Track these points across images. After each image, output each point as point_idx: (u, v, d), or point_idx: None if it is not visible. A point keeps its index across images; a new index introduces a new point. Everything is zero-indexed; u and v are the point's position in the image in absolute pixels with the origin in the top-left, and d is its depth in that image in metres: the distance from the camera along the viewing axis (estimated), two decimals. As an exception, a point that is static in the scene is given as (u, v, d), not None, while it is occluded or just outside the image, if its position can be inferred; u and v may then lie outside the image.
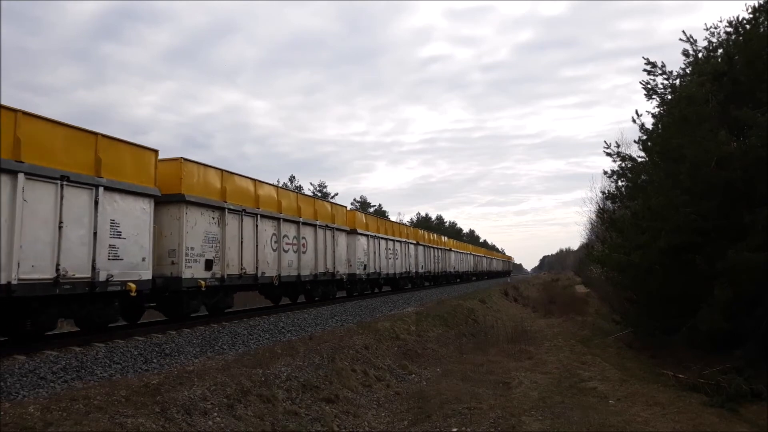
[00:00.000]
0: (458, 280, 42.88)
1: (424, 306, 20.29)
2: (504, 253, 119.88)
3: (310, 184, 66.25)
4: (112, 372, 7.45)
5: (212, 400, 6.87)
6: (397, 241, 26.22)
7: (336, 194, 60.01)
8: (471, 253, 51.03)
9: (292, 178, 57.14)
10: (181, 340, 9.72)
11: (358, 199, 68.93)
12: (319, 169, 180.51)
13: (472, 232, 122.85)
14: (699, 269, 11.76)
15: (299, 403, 8.06)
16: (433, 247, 34.09)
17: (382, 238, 23.86)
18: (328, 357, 10.15)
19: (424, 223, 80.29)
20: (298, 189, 54.16)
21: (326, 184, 60.02)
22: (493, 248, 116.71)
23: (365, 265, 21.64)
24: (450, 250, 39.52)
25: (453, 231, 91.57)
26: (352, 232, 20.48)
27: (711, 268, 11.36)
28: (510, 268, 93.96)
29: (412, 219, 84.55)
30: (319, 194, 56.23)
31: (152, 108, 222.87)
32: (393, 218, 67.58)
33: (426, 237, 33.03)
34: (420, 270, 30.31)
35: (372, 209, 65.50)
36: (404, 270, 27.20)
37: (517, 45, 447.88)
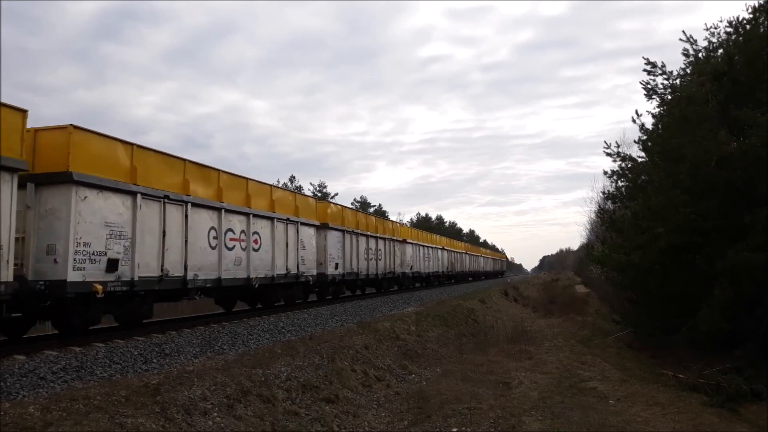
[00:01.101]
0: (418, 285, 32.03)
1: (424, 306, 20.30)
2: (497, 250, 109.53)
3: (310, 184, 66.20)
4: (112, 372, 7.45)
5: (212, 400, 6.87)
6: (266, 217, 14.35)
7: (336, 194, 60.02)
8: (445, 248, 38.68)
9: (292, 178, 57.09)
10: (181, 340, 9.72)
11: (358, 199, 68.95)
12: (319, 169, 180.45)
13: (472, 232, 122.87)
14: (699, 269, 11.77)
15: (299, 403, 8.06)
16: (369, 236, 22.62)
17: (211, 207, 12.12)
18: (328, 357, 10.15)
19: (424, 223, 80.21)
20: (298, 189, 54.02)
21: (326, 184, 59.99)
22: (486, 246, 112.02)
23: (116, 262, 9.41)
24: (404, 241, 28.11)
25: (453, 231, 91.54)
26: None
27: (711, 268, 11.36)
28: (504, 268, 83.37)
29: (411, 219, 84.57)
30: (319, 194, 56.16)
31: (152, 108, 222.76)
32: (393, 218, 67.48)
33: (351, 219, 21.27)
34: (335, 271, 18.86)
35: (372, 209, 65.48)
36: (285, 271, 15.20)
37: (517, 45, 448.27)
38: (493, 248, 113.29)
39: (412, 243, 29.92)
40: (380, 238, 24.42)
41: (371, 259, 23.01)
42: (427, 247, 33.61)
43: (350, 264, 20.62)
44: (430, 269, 33.80)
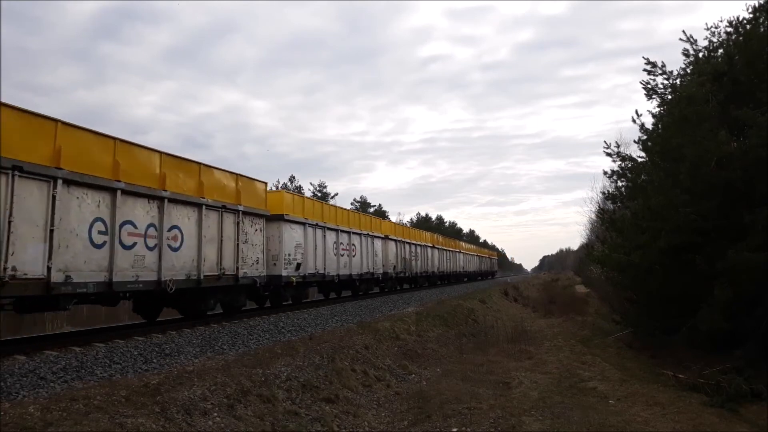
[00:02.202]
0: (314, 298, 21.16)
1: (424, 306, 20.29)
2: (485, 246, 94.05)
3: (310, 183, 66.21)
4: (112, 372, 7.45)
5: (212, 400, 6.87)
6: None
7: (336, 194, 59.99)
8: (389, 238, 25.80)
9: (292, 178, 57.07)
10: (181, 340, 9.72)
11: (358, 199, 68.97)
12: (319, 169, 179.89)
13: (472, 231, 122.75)
14: (699, 269, 11.77)
15: (299, 403, 8.06)
16: (141, 195, 10.32)
17: None
18: (328, 357, 10.15)
19: (423, 223, 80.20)
20: (298, 189, 53.95)
21: (326, 184, 59.96)
22: (486, 243, 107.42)
23: None
24: (280, 219, 15.71)
25: (453, 231, 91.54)
26: None
27: (711, 268, 11.36)
28: (494, 268, 68.46)
29: (411, 219, 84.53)
30: (319, 194, 56.11)
31: (152, 108, 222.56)
32: (393, 218, 67.13)
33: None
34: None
35: (372, 209, 65.47)
36: None
37: (517, 45, 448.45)
38: (487, 245, 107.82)
39: (299, 223, 16.63)
40: (194, 204, 11.71)
41: (156, 250, 10.63)
42: (345, 232, 20.23)
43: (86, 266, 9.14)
44: (353, 270, 20.76)
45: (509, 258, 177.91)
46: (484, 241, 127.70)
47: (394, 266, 26.19)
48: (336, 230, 19.50)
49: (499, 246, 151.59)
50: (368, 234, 22.87)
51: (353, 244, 21.08)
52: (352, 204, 66.06)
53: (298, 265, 16.41)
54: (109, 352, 8.30)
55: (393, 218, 66.93)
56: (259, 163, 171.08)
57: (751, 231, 10.93)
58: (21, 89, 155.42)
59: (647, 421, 8.44)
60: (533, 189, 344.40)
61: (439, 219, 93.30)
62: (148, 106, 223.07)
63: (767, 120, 10.83)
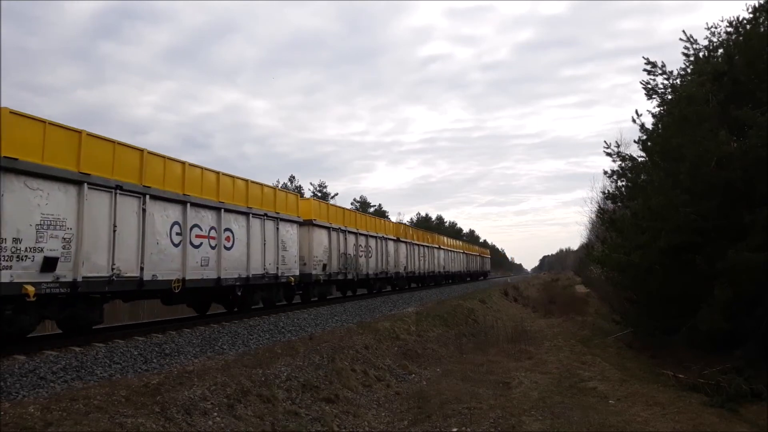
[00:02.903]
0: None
1: (424, 306, 20.31)
2: (477, 243, 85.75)
3: (310, 183, 66.16)
4: (112, 372, 7.46)
5: (212, 400, 6.87)
6: None
7: (336, 194, 59.94)
8: (319, 224, 17.94)
9: (292, 178, 57.07)
10: (181, 340, 9.73)
11: (358, 199, 68.95)
12: (319, 169, 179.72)
13: (472, 232, 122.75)
14: (699, 269, 11.77)
15: (299, 403, 8.06)
16: None
17: None
18: (328, 357, 10.15)
19: (424, 223, 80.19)
20: (298, 189, 53.86)
21: (326, 184, 59.91)
22: (478, 240, 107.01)
23: None
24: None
25: (453, 231, 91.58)
26: None
27: (711, 268, 11.37)
28: (486, 268, 60.10)
29: (411, 219, 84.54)
30: (319, 194, 56.03)
31: (152, 108, 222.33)
32: (393, 218, 67.00)
33: None
34: None
35: (372, 209, 65.42)
36: None
37: (517, 44, 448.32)
38: (487, 245, 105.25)
39: (57, 179, 8.55)
40: None
41: None
42: (205, 207, 12.29)
43: None
44: (223, 271, 12.63)
45: (509, 258, 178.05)
46: (484, 240, 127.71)
47: (325, 265, 18.25)
48: (181, 202, 11.53)
49: (499, 246, 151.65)
50: (267, 215, 14.65)
51: (229, 229, 13.12)
52: (352, 204, 65.97)
53: (50, 262, 8.49)
54: (109, 352, 8.30)
55: (393, 218, 66.88)
56: (259, 163, 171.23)
57: (751, 231, 10.93)
58: (21, 89, 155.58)
59: (647, 421, 8.44)
60: (533, 189, 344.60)
61: (439, 219, 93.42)
62: (148, 106, 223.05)
63: (767, 120, 10.84)
